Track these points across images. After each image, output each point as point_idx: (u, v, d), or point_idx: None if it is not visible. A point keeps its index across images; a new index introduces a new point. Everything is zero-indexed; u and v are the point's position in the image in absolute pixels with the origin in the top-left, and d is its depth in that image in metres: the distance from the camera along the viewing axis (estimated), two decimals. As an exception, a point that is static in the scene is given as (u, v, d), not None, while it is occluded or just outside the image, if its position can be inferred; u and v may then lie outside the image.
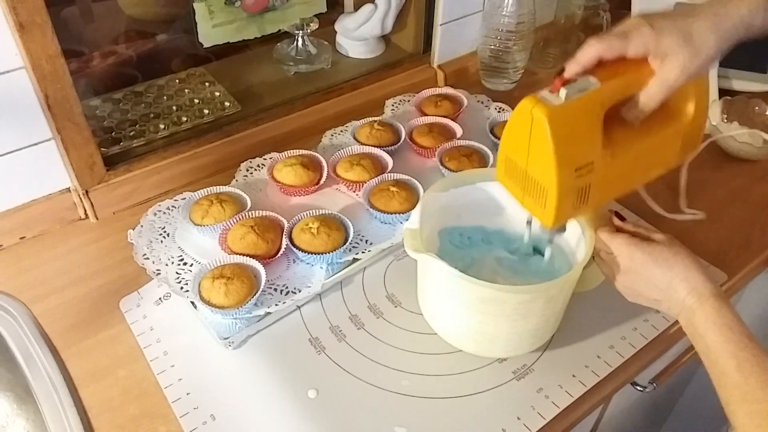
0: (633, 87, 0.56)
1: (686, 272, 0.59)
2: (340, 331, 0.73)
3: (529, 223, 0.67)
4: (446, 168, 0.88)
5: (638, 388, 0.81)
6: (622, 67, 0.55)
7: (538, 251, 0.71)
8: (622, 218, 0.64)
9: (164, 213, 0.82)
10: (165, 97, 1.02)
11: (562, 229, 0.64)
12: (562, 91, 0.53)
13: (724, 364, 0.54)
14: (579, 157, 0.54)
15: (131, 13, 1.06)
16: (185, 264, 0.76)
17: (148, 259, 0.76)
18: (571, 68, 0.55)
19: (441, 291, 0.66)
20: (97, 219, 0.86)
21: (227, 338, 0.69)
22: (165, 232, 0.80)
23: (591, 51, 0.54)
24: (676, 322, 0.74)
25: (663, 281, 0.59)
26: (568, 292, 0.67)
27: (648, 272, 0.60)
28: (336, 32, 1.14)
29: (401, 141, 0.94)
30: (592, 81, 0.54)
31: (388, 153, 0.90)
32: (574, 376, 0.69)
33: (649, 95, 0.55)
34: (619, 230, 0.64)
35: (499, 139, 0.94)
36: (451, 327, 0.69)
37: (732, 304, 0.57)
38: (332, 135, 0.98)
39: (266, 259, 0.74)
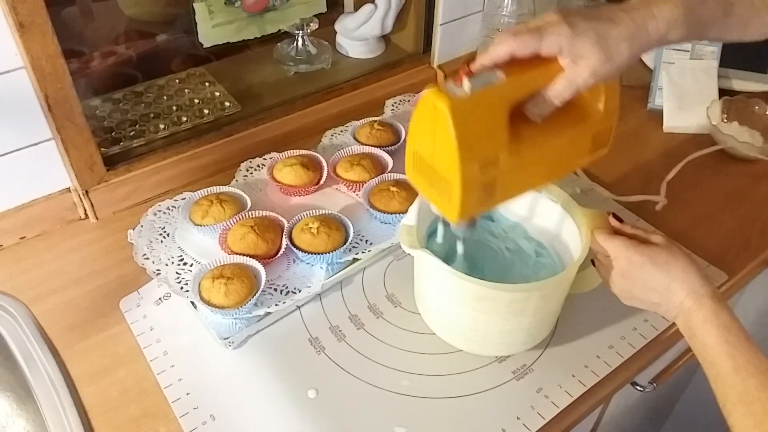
0: (539, 83, 0.55)
1: (684, 274, 0.58)
2: (340, 331, 0.73)
3: (441, 220, 0.66)
4: (446, 168, 0.88)
5: (638, 388, 0.81)
6: (532, 62, 0.54)
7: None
8: (620, 219, 0.64)
9: (164, 213, 0.82)
10: (165, 97, 1.02)
11: (472, 224, 0.63)
12: (466, 83, 0.51)
13: (722, 365, 0.54)
14: (483, 151, 0.53)
15: (131, 13, 1.06)
16: (185, 264, 0.76)
17: (148, 259, 0.76)
18: (482, 60, 0.54)
19: (435, 287, 0.67)
20: (97, 219, 0.86)
21: (227, 338, 0.69)
22: (165, 232, 0.80)
23: (504, 48, 0.53)
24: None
25: (661, 284, 0.59)
26: (563, 292, 0.66)
27: (646, 275, 0.59)
28: (336, 32, 1.14)
29: (401, 141, 0.94)
30: (498, 75, 0.52)
31: (388, 153, 0.91)
32: (573, 376, 0.69)
33: (555, 93, 0.55)
34: (617, 232, 0.63)
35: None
36: (446, 323, 0.69)
37: (730, 306, 0.57)
38: (332, 135, 0.98)
39: (266, 259, 0.74)
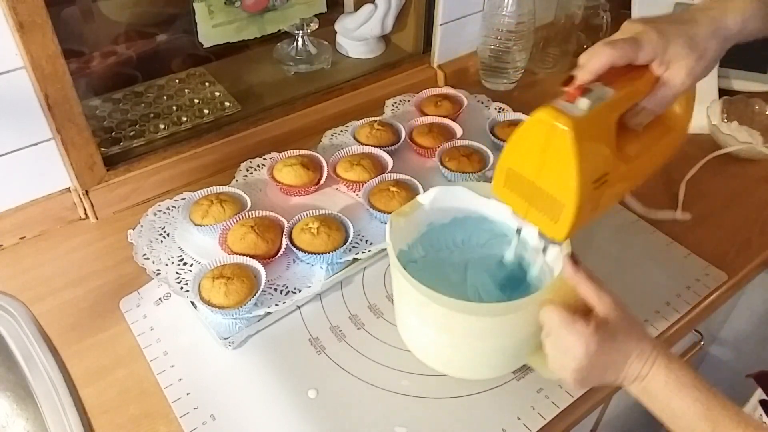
0: (641, 94, 0.55)
1: (639, 343, 0.55)
2: (340, 331, 0.73)
3: (518, 231, 0.65)
4: (446, 168, 0.88)
5: (638, 388, 0.81)
6: (628, 73, 0.54)
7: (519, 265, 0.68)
8: (576, 262, 0.59)
9: (164, 213, 0.82)
10: (165, 97, 1.02)
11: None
12: (584, 101, 0.50)
13: (699, 428, 0.52)
14: (597, 169, 0.52)
15: (123, 18, 1.05)
16: (185, 264, 0.76)
17: (148, 259, 0.76)
18: (584, 76, 0.53)
19: (400, 293, 0.65)
20: (97, 219, 0.86)
21: (227, 338, 0.69)
22: (165, 232, 0.80)
23: (603, 58, 0.52)
24: (676, 322, 0.75)
25: (618, 362, 0.55)
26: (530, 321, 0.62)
27: (606, 357, 0.55)
28: (336, 32, 1.14)
29: (401, 141, 0.94)
30: (607, 89, 0.52)
31: (388, 153, 0.90)
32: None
33: (658, 101, 0.56)
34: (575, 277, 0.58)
35: (499, 138, 0.94)
36: (427, 348, 0.68)
37: (684, 361, 0.55)
38: (332, 135, 0.98)
39: (266, 259, 0.74)
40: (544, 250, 0.64)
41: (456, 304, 0.57)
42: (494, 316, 0.59)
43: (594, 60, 0.53)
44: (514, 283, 0.68)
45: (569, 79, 0.53)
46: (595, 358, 0.54)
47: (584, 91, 0.51)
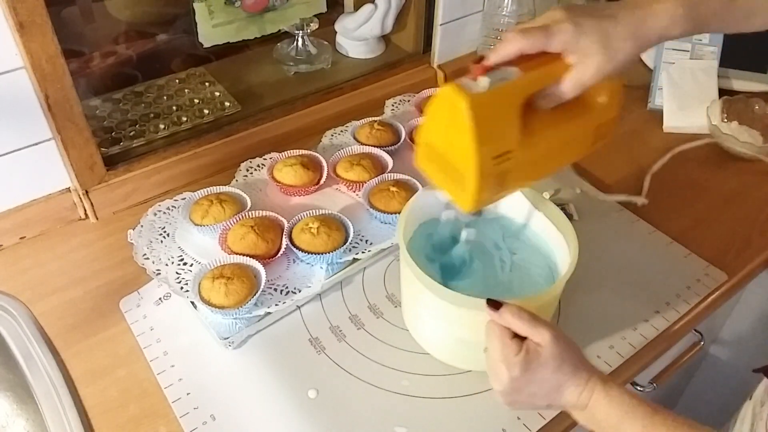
0: (550, 79, 0.56)
1: (573, 375, 0.55)
2: (340, 331, 0.73)
3: (448, 205, 0.67)
4: (446, 168, 0.88)
5: (638, 388, 0.81)
6: (540, 59, 0.55)
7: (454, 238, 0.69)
8: (497, 307, 0.57)
9: (164, 213, 0.82)
10: (165, 97, 1.02)
11: (479, 213, 0.65)
12: (484, 79, 0.52)
13: None
14: (498, 145, 0.54)
15: (126, 17, 1.06)
16: (185, 264, 0.76)
17: (148, 259, 0.76)
18: (493, 58, 0.55)
19: (407, 283, 0.67)
20: (97, 219, 0.86)
21: (227, 338, 0.69)
22: (165, 232, 0.80)
23: (513, 45, 0.54)
24: (676, 322, 0.75)
25: (550, 390, 0.55)
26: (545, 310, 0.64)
27: (532, 386, 0.55)
28: (336, 32, 1.14)
29: (401, 141, 0.94)
30: (512, 71, 0.54)
31: (388, 153, 0.90)
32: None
33: (563, 90, 0.56)
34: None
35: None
36: (435, 341, 0.69)
37: (620, 384, 0.55)
38: (332, 135, 0.98)
39: (266, 259, 0.74)
40: (467, 225, 0.67)
41: (448, 294, 0.59)
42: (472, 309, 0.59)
43: (505, 45, 0.54)
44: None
45: (479, 59, 0.55)
46: (519, 384, 0.55)
47: (488, 70, 0.53)
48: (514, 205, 0.72)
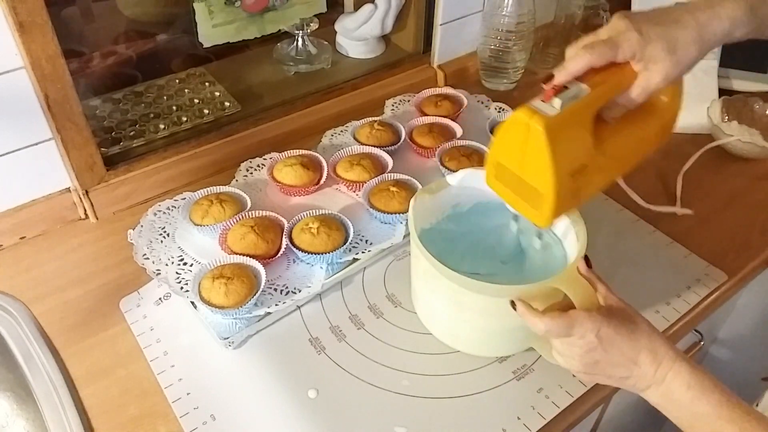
0: (618, 90, 0.57)
1: (651, 342, 0.55)
2: (340, 331, 0.73)
3: (515, 217, 0.68)
4: (446, 168, 0.88)
5: (638, 388, 0.81)
6: (607, 70, 0.56)
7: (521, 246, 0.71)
8: (589, 265, 0.61)
9: (164, 213, 0.82)
10: (165, 97, 1.02)
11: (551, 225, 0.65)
12: (557, 101, 0.53)
13: (724, 431, 0.52)
14: (574, 162, 0.55)
15: (131, 14, 1.06)
16: (185, 264, 0.76)
17: (148, 259, 0.76)
18: (561, 77, 0.55)
19: (418, 275, 0.68)
20: (97, 219, 0.86)
21: (227, 338, 0.69)
22: (165, 232, 0.80)
23: (581, 61, 0.55)
24: (676, 322, 0.75)
25: (629, 356, 0.55)
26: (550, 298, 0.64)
27: (614, 348, 0.55)
28: (336, 32, 1.14)
29: (401, 141, 0.94)
30: (583, 87, 0.55)
31: (388, 153, 0.90)
32: (574, 376, 0.69)
33: (631, 98, 0.57)
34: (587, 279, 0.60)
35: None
36: (440, 324, 0.70)
37: (698, 363, 0.55)
38: (332, 135, 0.98)
39: (266, 259, 0.74)
40: (539, 235, 0.68)
41: (465, 281, 0.60)
42: (500, 297, 0.60)
43: (572, 63, 0.55)
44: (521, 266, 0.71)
45: (549, 77, 0.56)
46: (606, 344, 0.55)
47: (559, 90, 0.54)
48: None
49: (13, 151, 0.77)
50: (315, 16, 1.08)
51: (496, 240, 0.73)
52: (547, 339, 0.61)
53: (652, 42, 0.55)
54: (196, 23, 0.96)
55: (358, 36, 1.11)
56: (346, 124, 0.99)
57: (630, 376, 0.56)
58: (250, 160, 0.92)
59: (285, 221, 0.78)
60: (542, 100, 0.54)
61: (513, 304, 0.59)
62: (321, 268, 0.76)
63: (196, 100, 1.01)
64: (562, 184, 0.54)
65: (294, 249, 0.76)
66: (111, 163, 0.87)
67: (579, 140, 0.56)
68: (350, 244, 0.77)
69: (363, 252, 0.78)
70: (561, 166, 0.54)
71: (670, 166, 0.96)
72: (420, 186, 0.84)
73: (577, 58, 0.55)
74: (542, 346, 0.64)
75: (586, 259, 0.62)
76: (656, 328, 0.57)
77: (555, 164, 0.53)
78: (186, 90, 1.03)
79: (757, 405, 0.77)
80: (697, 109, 1.04)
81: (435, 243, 0.68)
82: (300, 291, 0.73)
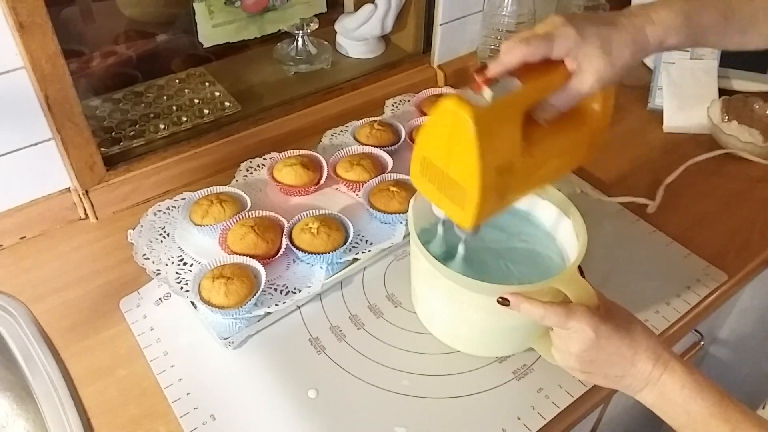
0: (551, 88, 0.56)
1: (647, 341, 0.55)
2: (340, 331, 0.73)
3: (444, 222, 0.66)
4: (446, 168, 0.88)
5: (638, 388, 0.81)
6: (541, 67, 0.55)
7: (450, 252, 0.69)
8: (582, 275, 0.61)
9: (164, 213, 0.82)
10: (165, 97, 1.02)
11: (477, 230, 0.62)
12: (488, 92, 0.52)
13: (719, 431, 0.52)
14: (500, 157, 0.53)
15: (131, 14, 1.06)
16: (185, 264, 0.76)
17: (148, 259, 0.76)
18: (495, 68, 0.54)
19: (424, 285, 0.67)
20: (97, 219, 0.86)
21: (227, 338, 0.69)
22: (165, 232, 0.80)
23: (516, 54, 0.54)
24: (676, 322, 0.75)
25: (626, 355, 0.55)
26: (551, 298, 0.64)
27: (612, 346, 0.55)
28: (336, 32, 1.14)
29: (401, 141, 0.94)
30: (514, 82, 0.53)
31: (388, 153, 0.90)
32: (574, 376, 0.69)
33: (564, 99, 0.56)
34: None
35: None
36: (439, 324, 0.70)
37: (692, 363, 0.55)
38: (332, 135, 0.98)
39: (266, 259, 0.74)
40: (464, 240, 0.66)
41: (465, 281, 0.59)
42: (494, 296, 0.59)
43: (507, 55, 0.54)
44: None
45: (482, 68, 0.55)
46: (604, 341, 0.55)
47: (491, 82, 0.53)
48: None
49: (13, 151, 0.77)
50: (315, 16, 1.09)
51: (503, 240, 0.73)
52: (546, 333, 0.61)
53: (587, 40, 0.54)
54: (196, 23, 0.96)
55: (358, 36, 1.11)
56: (346, 124, 0.99)
57: (626, 375, 0.56)
58: (250, 160, 0.92)
59: (285, 221, 0.78)
60: (473, 91, 0.53)
61: (503, 300, 0.58)
62: (321, 268, 0.76)
63: (196, 100, 1.01)
64: (487, 180, 0.52)
65: (294, 249, 0.76)
66: (111, 163, 0.87)
67: (508, 136, 0.54)
68: (350, 244, 0.77)
69: (363, 252, 0.78)
70: (488, 161, 0.52)
71: (668, 167, 0.95)
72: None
73: (512, 51, 0.54)
74: (541, 345, 0.64)
75: (580, 269, 0.61)
76: (652, 330, 0.57)
77: (482, 157, 0.51)
78: (186, 90, 1.03)
79: (764, 407, 0.77)
80: (697, 110, 1.04)
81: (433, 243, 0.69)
82: (300, 291, 0.73)
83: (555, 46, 0.54)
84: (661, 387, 0.54)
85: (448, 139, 0.53)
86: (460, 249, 0.67)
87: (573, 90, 0.56)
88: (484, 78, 0.53)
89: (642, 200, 0.89)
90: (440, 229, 0.67)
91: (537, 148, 0.57)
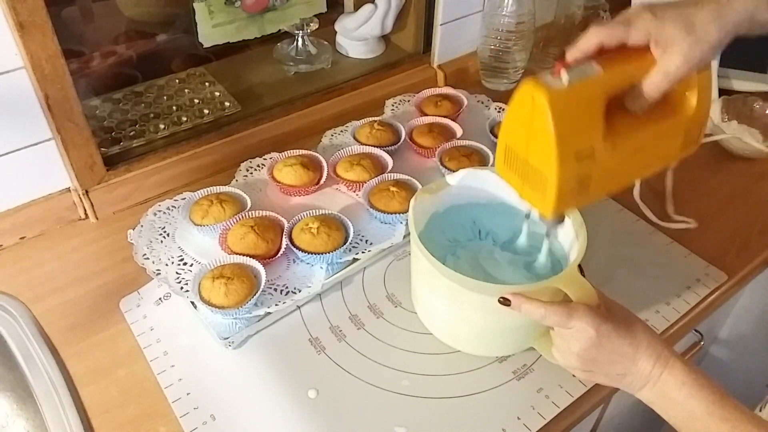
0: (635, 75, 0.55)
1: (648, 340, 0.55)
2: (340, 331, 0.73)
3: (527, 216, 0.67)
4: (446, 168, 0.88)
5: (638, 388, 0.81)
6: (624, 54, 0.54)
7: (534, 249, 0.70)
8: (582, 274, 0.61)
9: (164, 213, 0.82)
10: (165, 97, 1.02)
11: (561, 221, 0.62)
12: (564, 75, 0.51)
13: (718, 430, 0.52)
14: (580, 141, 0.53)
15: (131, 14, 1.06)
16: (185, 264, 0.76)
17: (148, 259, 0.76)
18: (572, 54, 0.54)
19: (426, 284, 0.67)
20: (97, 219, 0.86)
21: (227, 338, 0.69)
22: (165, 232, 0.80)
23: (592, 38, 0.53)
24: (676, 322, 0.75)
25: (627, 353, 0.55)
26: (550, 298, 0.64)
27: (613, 344, 0.55)
28: (336, 32, 1.14)
29: (401, 141, 0.94)
30: (593, 66, 0.53)
31: (388, 153, 0.90)
32: (574, 376, 0.69)
33: (652, 84, 0.54)
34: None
35: (499, 138, 0.94)
36: (440, 324, 0.70)
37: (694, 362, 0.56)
38: (332, 135, 0.98)
39: (266, 259, 0.74)
40: (547, 234, 0.65)
41: (465, 281, 0.59)
42: (494, 296, 0.59)
43: (585, 39, 0.53)
44: (524, 265, 0.70)
45: (562, 54, 0.54)
46: (606, 340, 0.54)
47: (569, 66, 0.52)
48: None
49: (13, 151, 0.77)
50: (315, 16, 1.08)
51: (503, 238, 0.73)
52: (546, 333, 0.61)
53: (667, 22, 0.52)
54: (196, 23, 0.96)
55: (358, 36, 1.11)
56: (346, 124, 0.99)
57: (627, 374, 0.56)
58: (250, 160, 0.92)
59: (285, 221, 0.78)
60: (551, 75, 0.52)
61: (504, 300, 0.58)
62: (321, 268, 0.76)
63: (196, 100, 1.01)
64: (566, 164, 0.52)
65: (294, 249, 0.76)
66: (111, 163, 0.87)
67: (588, 121, 0.53)
68: (350, 244, 0.77)
69: (363, 252, 0.78)
70: (566, 144, 0.51)
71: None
72: (420, 186, 0.84)
73: (588, 36, 0.53)
74: (542, 345, 0.64)
75: (579, 268, 0.61)
76: (652, 329, 0.57)
77: (559, 140, 0.50)
78: (186, 90, 1.03)
79: (761, 410, 0.77)
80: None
81: (433, 242, 0.69)
82: (300, 291, 0.73)
83: (633, 29, 0.53)
84: (662, 385, 0.54)
85: (527, 124, 0.53)
86: (544, 247, 0.66)
87: (660, 74, 0.53)
88: (563, 63, 0.53)
89: (692, 223, 0.87)
90: (525, 226, 0.68)
91: (623, 138, 0.55)
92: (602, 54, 0.54)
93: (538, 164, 0.54)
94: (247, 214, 0.79)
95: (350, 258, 0.78)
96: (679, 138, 0.59)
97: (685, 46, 0.52)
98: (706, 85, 0.58)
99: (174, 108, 0.99)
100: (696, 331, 0.87)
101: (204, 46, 0.99)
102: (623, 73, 0.54)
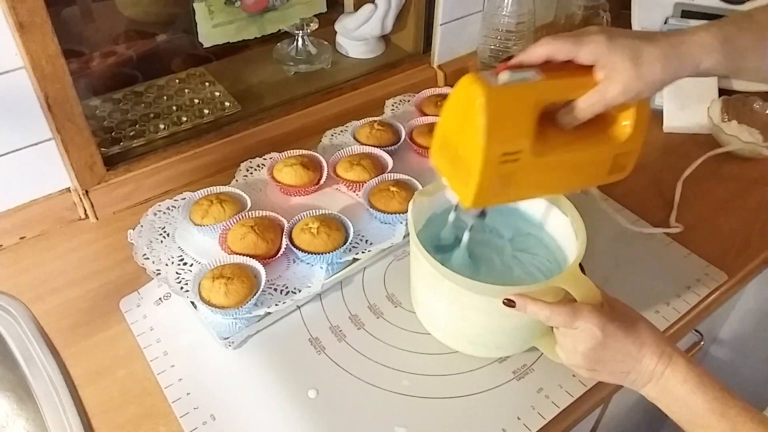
0: (574, 91, 0.56)
1: (651, 337, 0.56)
2: (340, 331, 0.73)
3: (456, 207, 0.67)
4: (446, 168, 0.88)
5: (638, 388, 0.81)
6: (569, 70, 0.55)
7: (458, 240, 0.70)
8: (583, 272, 0.61)
9: (164, 213, 0.82)
10: (165, 97, 1.02)
11: (483, 215, 0.64)
12: (504, 74, 0.53)
13: (718, 427, 0.52)
14: (508, 142, 0.54)
15: (131, 14, 1.06)
16: (185, 264, 0.76)
17: (148, 259, 0.76)
18: (519, 58, 0.55)
19: (423, 284, 0.68)
20: (97, 219, 0.86)
21: (227, 338, 0.69)
22: (165, 232, 0.80)
23: (541, 48, 0.55)
24: (676, 322, 0.75)
25: (631, 352, 0.55)
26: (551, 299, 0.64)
27: (618, 343, 0.55)
28: (336, 32, 1.14)
29: (401, 141, 0.94)
30: (533, 74, 0.54)
31: (388, 153, 0.90)
32: (574, 376, 0.69)
33: (585, 104, 0.55)
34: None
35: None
36: (440, 325, 0.70)
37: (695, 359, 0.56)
38: (332, 135, 0.98)
39: (266, 259, 0.74)
40: (470, 228, 0.66)
41: (465, 281, 0.59)
42: (500, 297, 0.59)
43: (534, 48, 0.55)
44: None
45: (508, 58, 0.56)
46: (611, 339, 0.55)
47: (511, 68, 0.54)
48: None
49: (13, 151, 0.77)
50: (315, 16, 1.08)
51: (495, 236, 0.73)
52: (549, 332, 0.61)
53: (618, 48, 0.54)
54: (196, 23, 0.96)
55: (358, 36, 1.11)
56: (346, 124, 0.99)
57: (631, 372, 0.56)
58: (250, 160, 0.92)
59: (285, 221, 0.78)
60: (492, 74, 0.54)
61: (509, 301, 0.58)
62: (321, 268, 0.76)
63: (196, 100, 1.01)
64: (490, 159, 0.53)
65: (294, 249, 0.76)
66: (111, 163, 0.87)
67: (518, 123, 0.54)
68: (350, 244, 0.77)
69: (363, 252, 0.78)
70: (493, 140, 0.52)
71: (668, 167, 0.95)
72: (420, 186, 0.84)
73: (538, 45, 0.55)
74: (545, 344, 0.64)
75: (581, 267, 0.61)
76: (654, 326, 0.58)
77: (488, 134, 0.52)
78: (186, 90, 1.03)
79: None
80: (697, 109, 1.04)
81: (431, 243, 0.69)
82: (300, 291, 0.73)
83: (583, 48, 0.54)
84: (665, 382, 0.55)
85: (462, 116, 0.55)
86: (465, 237, 0.67)
87: (595, 97, 0.55)
88: (506, 65, 0.54)
89: (670, 230, 0.86)
90: (452, 216, 0.68)
91: (551, 150, 0.57)
92: (549, 64, 0.55)
93: (465, 155, 0.55)
94: (247, 214, 0.79)
95: (350, 258, 0.78)
96: (607, 163, 0.61)
97: (626, 77, 0.54)
98: (643, 118, 0.59)
99: (174, 108, 0.99)
100: (696, 331, 0.87)
101: (204, 46, 0.99)
102: (562, 86, 0.56)
